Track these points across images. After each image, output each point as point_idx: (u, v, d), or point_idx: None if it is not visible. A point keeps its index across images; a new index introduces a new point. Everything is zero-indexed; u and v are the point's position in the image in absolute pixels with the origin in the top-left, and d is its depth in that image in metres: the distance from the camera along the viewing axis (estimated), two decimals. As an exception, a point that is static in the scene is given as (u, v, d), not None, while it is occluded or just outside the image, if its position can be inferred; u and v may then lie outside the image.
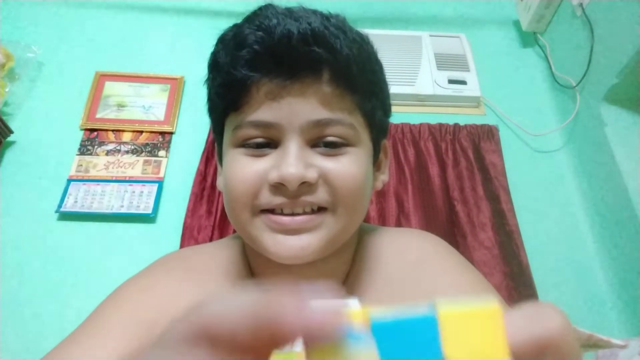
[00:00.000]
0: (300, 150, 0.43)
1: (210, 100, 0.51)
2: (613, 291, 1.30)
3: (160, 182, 1.37)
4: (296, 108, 0.43)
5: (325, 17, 0.45)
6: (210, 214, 1.30)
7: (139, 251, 1.28)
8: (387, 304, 0.44)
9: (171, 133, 1.48)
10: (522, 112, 1.59)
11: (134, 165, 1.40)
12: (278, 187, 0.43)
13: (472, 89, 1.58)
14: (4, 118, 1.38)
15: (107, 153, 1.42)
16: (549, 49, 1.65)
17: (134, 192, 1.35)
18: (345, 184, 0.44)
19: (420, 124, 1.50)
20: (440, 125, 1.51)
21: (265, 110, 0.44)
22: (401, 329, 0.16)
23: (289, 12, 0.45)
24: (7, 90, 1.45)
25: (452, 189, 1.39)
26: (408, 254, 0.51)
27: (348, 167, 0.44)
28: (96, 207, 1.31)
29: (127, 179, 1.37)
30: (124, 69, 1.58)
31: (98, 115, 1.48)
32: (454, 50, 1.66)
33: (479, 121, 1.54)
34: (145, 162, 1.41)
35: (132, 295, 0.48)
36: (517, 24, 1.77)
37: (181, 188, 1.37)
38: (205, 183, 1.35)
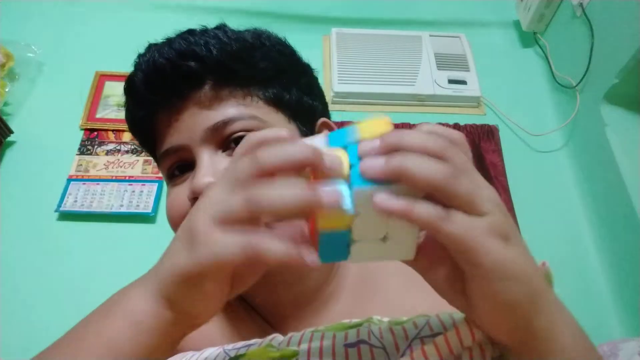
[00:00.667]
0: (211, 159, 0.44)
1: None
2: (613, 291, 1.30)
3: (160, 182, 1.37)
4: (190, 123, 0.45)
5: (200, 32, 0.48)
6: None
7: (139, 250, 1.28)
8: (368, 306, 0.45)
9: (171, 133, 1.48)
10: (522, 112, 1.59)
11: (134, 165, 1.40)
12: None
13: (472, 89, 1.58)
14: (4, 118, 1.38)
15: (107, 153, 1.42)
16: (549, 49, 1.65)
17: (133, 191, 1.35)
18: None
19: (420, 124, 1.50)
20: (440, 125, 1.50)
21: (168, 138, 0.46)
22: (343, 133, 0.29)
23: (165, 42, 0.48)
24: (7, 90, 1.45)
25: (452, 189, 1.39)
26: None
27: None
28: (96, 207, 1.31)
29: (127, 178, 1.37)
30: (124, 69, 1.56)
31: (98, 115, 1.49)
32: (454, 50, 1.66)
33: (479, 121, 1.54)
34: (145, 161, 1.41)
35: None
36: (517, 24, 1.77)
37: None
38: (205, 183, 1.35)
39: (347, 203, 0.26)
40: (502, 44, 1.78)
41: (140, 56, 0.49)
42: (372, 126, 0.29)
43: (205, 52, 0.45)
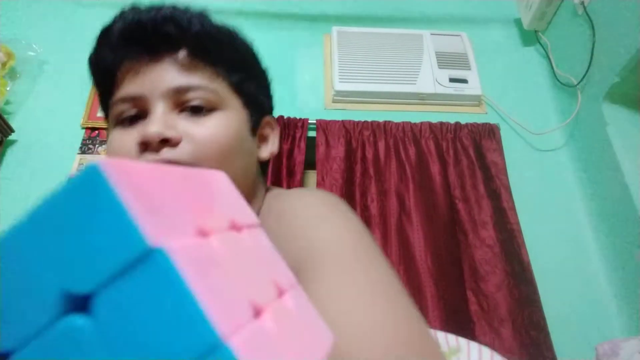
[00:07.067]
0: (164, 114, 0.48)
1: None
2: (613, 289, 1.30)
3: (161, 181, 1.37)
4: (156, 78, 0.49)
5: (183, 9, 0.52)
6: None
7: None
8: None
9: (172, 132, 1.48)
10: (523, 110, 1.59)
11: (135, 164, 1.40)
12: (144, 148, 0.47)
13: (473, 87, 1.58)
14: (5, 117, 1.39)
15: (108, 151, 1.42)
16: (551, 48, 1.65)
17: (135, 190, 1.35)
18: (208, 143, 0.48)
19: (421, 123, 1.50)
20: (442, 123, 1.51)
21: (130, 86, 0.50)
22: None
23: (149, 7, 0.52)
24: (8, 88, 1.45)
25: (453, 187, 1.39)
26: (286, 207, 0.49)
27: (212, 128, 0.49)
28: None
29: (128, 177, 1.37)
30: (125, 68, 1.58)
31: (99, 114, 1.49)
32: (455, 48, 1.66)
33: (480, 120, 1.54)
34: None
35: None
36: (518, 22, 1.77)
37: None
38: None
39: None
40: (504, 42, 1.78)
41: (123, 10, 0.53)
42: None
43: (186, 24, 0.50)
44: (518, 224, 1.35)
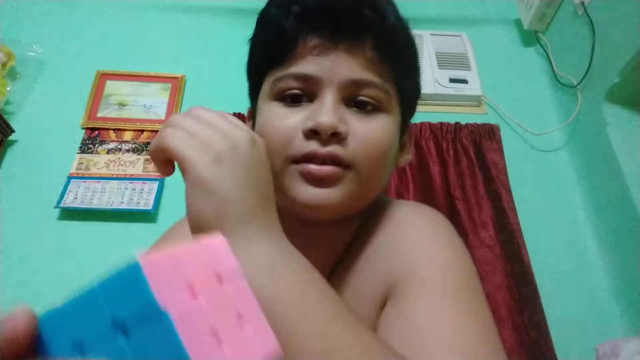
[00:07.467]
0: (336, 105, 0.46)
1: (253, 55, 0.53)
2: (614, 289, 1.30)
3: (161, 180, 1.37)
4: (338, 65, 0.46)
5: None
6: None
7: (140, 248, 1.27)
8: (368, 270, 0.49)
9: (172, 132, 1.48)
10: (523, 111, 1.59)
11: (135, 164, 1.40)
12: (311, 136, 0.45)
13: (473, 87, 1.58)
14: (5, 117, 1.39)
15: (108, 152, 1.42)
16: (551, 48, 1.65)
17: (134, 189, 1.35)
18: (371, 145, 0.46)
19: (422, 123, 1.50)
20: (442, 124, 1.51)
21: (309, 64, 0.47)
22: None
23: None
24: (8, 89, 1.46)
25: (453, 188, 1.39)
26: (395, 219, 0.52)
27: (376, 130, 0.47)
28: (96, 204, 1.31)
29: (128, 176, 1.37)
30: (125, 68, 1.58)
31: (99, 114, 1.49)
32: (455, 49, 1.66)
33: (480, 120, 1.54)
34: (146, 160, 1.41)
35: None
36: (518, 22, 1.77)
37: (182, 186, 1.36)
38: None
39: None
40: (504, 42, 1.78)
41: None
42: None
43: (384, 13, 0.48)
44: (518, 224, 1.35)
